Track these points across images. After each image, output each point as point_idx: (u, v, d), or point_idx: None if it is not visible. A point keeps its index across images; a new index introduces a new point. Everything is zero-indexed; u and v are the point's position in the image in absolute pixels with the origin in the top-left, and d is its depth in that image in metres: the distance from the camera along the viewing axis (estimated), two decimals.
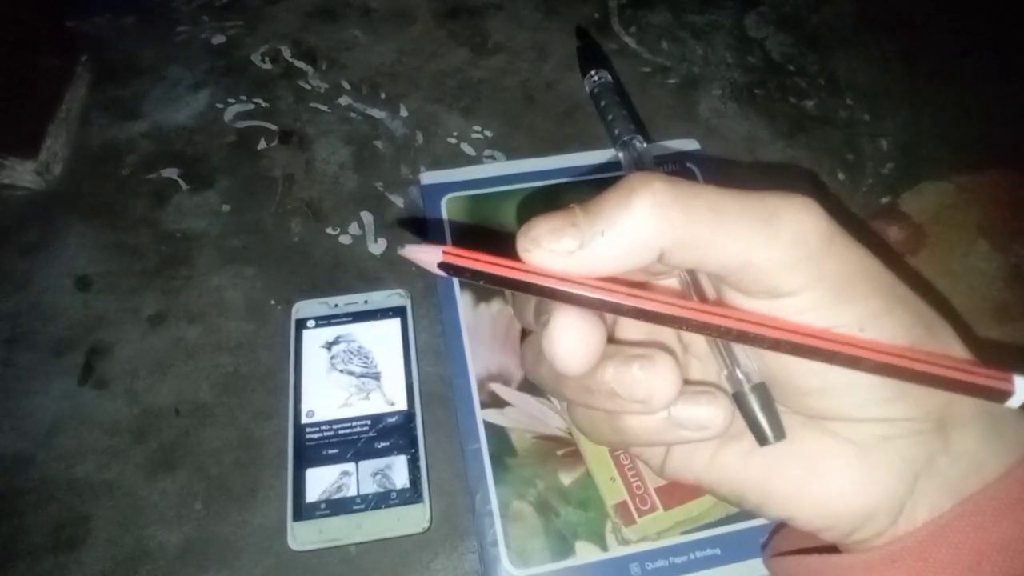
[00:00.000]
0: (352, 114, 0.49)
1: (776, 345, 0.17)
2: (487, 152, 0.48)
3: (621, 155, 0.26)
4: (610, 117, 0.26)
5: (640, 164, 0.27)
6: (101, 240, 0.43)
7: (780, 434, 0.19)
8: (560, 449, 0.35)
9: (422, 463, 0.35)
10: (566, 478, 0.34)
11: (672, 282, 0.22)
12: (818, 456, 0.19)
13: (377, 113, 0.50)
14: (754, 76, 0.53)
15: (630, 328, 0.23)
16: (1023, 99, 0.50)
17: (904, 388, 0.18)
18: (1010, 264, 0.43)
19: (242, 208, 0.45)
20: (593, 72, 0.28)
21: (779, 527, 0.28)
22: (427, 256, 0.17)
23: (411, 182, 0.46)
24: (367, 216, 0.45)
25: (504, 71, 0.52)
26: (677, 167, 0.45)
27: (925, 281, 0.42)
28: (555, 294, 0.17)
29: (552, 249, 0.17)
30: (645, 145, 0.26)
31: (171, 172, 0.46)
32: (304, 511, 0.34)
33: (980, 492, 0.18)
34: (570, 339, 0.18)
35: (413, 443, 0.36)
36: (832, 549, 0.21)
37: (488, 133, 0.49)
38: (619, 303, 0.17)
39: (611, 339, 0.23)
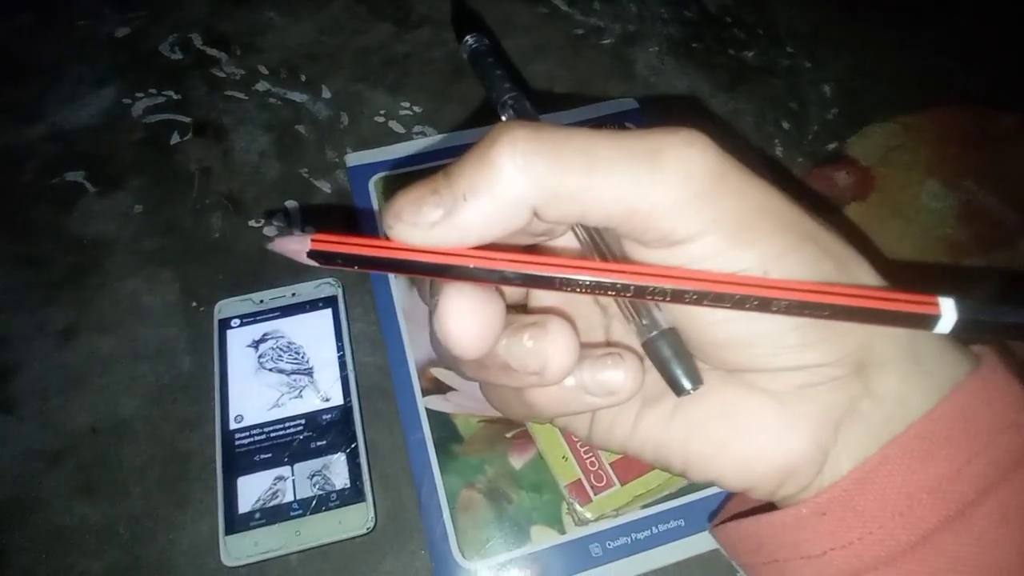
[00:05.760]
0: (271, 100, 0.47)
1: (679, 296, 0.15)
2: (417, 128, 0.45)
3: (504, 119, 0.24)
4: (487, 81, 0.24)
5: None
6: (3, 254, 0.40)
7: (696, 380, 0.17)
8: (509, 431, 0.33)
9: (363, 460, 0.33)
10: (517, 461, 0.32)
11: (573, 244, 0.20)
12: (737, 412, 0.18)
13: (298, 97, 0.47)
14: (691, 30, 0.51)
15: (543, 295, 0.21)
16: (962, 34, 0.50)
17: (817, 333, 0.16)
18: (961, 200, 0.42)
19: (156, 207, 0.42)
20: (468, 38, 0.26)
21: (729, 495, 0.27)
22: (296, 246, 0.16)
23: (338, 166, 0.43)
24: (292, 205, 0.42)
25: (430, 44, 0.50)
26: (615, 128, 0.43)
27: (872, 225, 0.41)
28: (434, 271, 0.16)
29: (414, 222, 0.16)
30: (527, 103, 0.23)
31: (76, 175, 0.43)
32: (237, 523, 0.31)
33: (905, 433, 0.17)
34: (460, 319, 0.16)
35: (352, 439, 0.33)
36: (771, 508, 0.19)
37: (417, 109, 0.46)
38: (503, 271, 0.15)
39: (525, 310, 0.21)
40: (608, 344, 0.20)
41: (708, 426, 0.18)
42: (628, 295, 0.15)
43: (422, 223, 0.15)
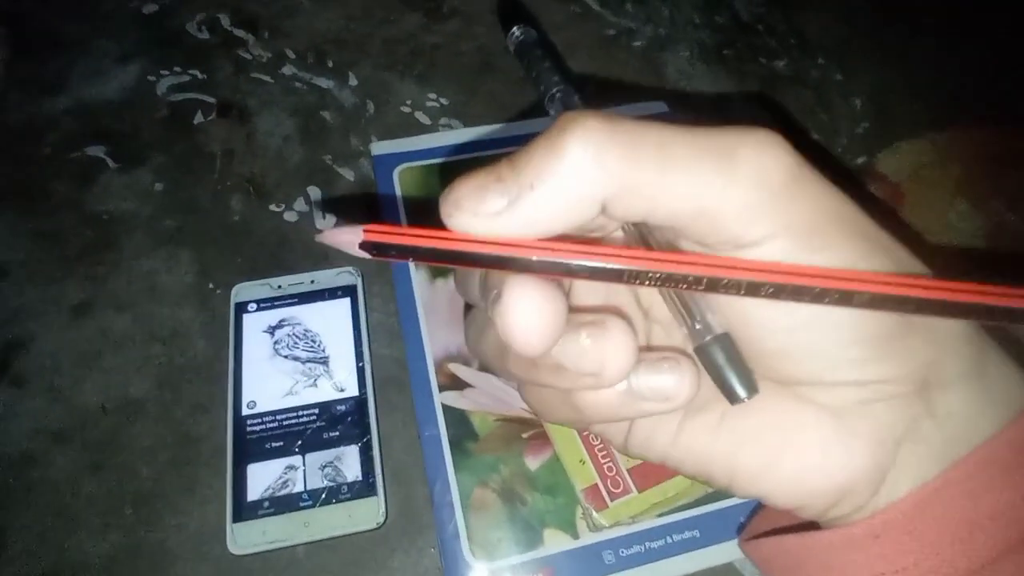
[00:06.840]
0: (297, 84, 0.46)
1: (755, 289, 0.14)
2: (443, 120, 0.45)
3: (552, 112, 0.23)
4: (534, 73, 0.23)
5: None
6: (20, 226, 0.39)
7: (752, 389, 0.16)
8: (526, 431, 0.33)
9: (375, 453, 0.32)
10: (532, 462, 0.32)
11: (617, 239, 0.19)
12: (790, 426, 0.17)
13: (324, 82, 0.46)
14: (723, 36, 0.50)
15: (584, 294, 0.20)
16: (997, 54, 0.49)
17: (883, 348, 0.16)
18: (990, 222, 0.42)
19: (176, 186, 0.41)
20: (515, 29, 0.25)
21: (759, 507, 0.26)
22: (348, 237, 0.15)
23: (362, 154, 0.43)
24: (314, 191, 0.41)
25: (460, 36, 0.49)
26: None
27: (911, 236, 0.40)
28: (494, 262, 0.15)
29: (476, 211, 0.15)
30: (576, 97, 0.23)
31: (97, 150, 0.42)
32: (245, 511, 0.31)
33: (968, 457, 0.16)
34: (527, 314, 0.15)
35: (365, 431, 0.33)
36: (813, 526, 0.19)
37: (444, 100, 0.46)
38: (569, 263, 0.15)
39: None
40: (649, 350, 0.20)
41: (757, 439, 0.17)
42: (700, 288, 0.14)
43: (484, 212, 0.15)
